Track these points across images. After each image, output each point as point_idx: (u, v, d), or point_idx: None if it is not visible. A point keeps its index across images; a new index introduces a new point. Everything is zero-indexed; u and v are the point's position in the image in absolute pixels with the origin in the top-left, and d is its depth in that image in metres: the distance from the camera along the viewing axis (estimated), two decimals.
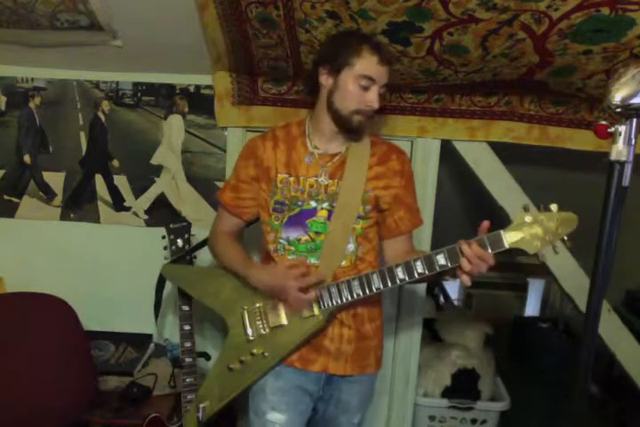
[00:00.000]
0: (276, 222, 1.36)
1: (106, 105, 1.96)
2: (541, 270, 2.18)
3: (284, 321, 1.33)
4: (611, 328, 1.93)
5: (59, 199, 2.03)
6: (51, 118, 1.98)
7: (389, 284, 1.23)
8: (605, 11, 1.23)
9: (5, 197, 2.04)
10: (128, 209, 2.03)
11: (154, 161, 1.99)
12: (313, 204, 1.33)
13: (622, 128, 0.79)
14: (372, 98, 1.27)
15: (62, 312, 1.63)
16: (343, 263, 1.33)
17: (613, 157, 0.80)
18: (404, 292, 2.02)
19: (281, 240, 1.35)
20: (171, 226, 1.65)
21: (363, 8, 1.34)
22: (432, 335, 2.43)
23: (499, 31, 1.35)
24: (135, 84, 1.94)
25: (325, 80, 1.30)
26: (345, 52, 1.26)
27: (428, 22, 1.36)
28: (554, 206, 1.11)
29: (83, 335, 1.67)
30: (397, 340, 2.06)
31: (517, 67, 1.52)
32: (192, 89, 1.92)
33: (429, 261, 1.18)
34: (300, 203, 1.33)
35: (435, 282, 3.06)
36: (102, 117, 1.97)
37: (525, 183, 1.86)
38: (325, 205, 1.33)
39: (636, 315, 2.64)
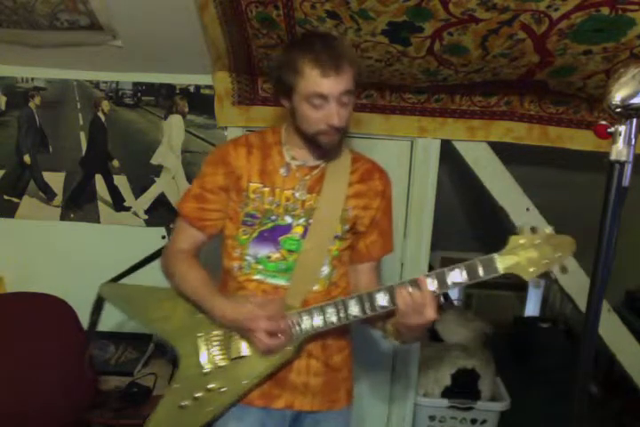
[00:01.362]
0: (244, 237, 1.21)
1: (106, 105, 1.96)
2: None
3: (247, 352, 1.18)
4: (611, 328, 1.93)
5: (59, 199, 2.03)
6: (51, 118, 1.98)
7: (368, 311, 1.11)
8: (605, 11, 1.23)
9: (5, 197, 2.04)
10: (128, 209, 2.03)
11: (154, 161, 1.99)
12: (288, 219, 1.20)
13: (622, 128, 0.79)
14: (330, 115, 1.12)
15: (62, 312, 1.63)
16: (315, 288, 1.20)
17: (613, 157, 0.79)
18: None
19: (247, 257, 1.21)
20: (171, 226, 1.65)
21: (363, 8, 1.34)
22: (432, 335, 2.43)
23: (499, 31, 1.35)
24: (135, 84, 1.94)
25: (284, 103, 1.20)
26: (287, 74, 1.13)
27: (428, 22, 1.36)
28: (548, 229, 1.06)
29: (83, 335, 1.67)
30: None
31: (517, 67, 1.52)
32: (192, 89, 1.92)
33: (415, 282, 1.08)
34: (273, 217, 1.20)
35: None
36: (102, 117, 1.97)
37: (525, 183, 1.86)
38: (302, 221, 1.20)
39: (636, 315, 2.64)
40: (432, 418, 2.17)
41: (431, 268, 2.37)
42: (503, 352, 2.74)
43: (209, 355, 1.19)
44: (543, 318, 3.63)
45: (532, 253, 1.05)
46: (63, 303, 1.63)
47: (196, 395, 1.17)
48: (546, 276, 1.07)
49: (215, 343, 1.20)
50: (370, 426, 2.09)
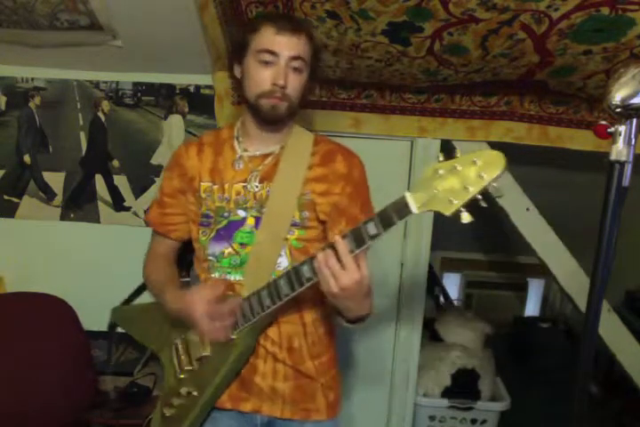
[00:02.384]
0: (203, 238, 1.18)
1: (106, 105, 1.96)
2: (541, 270, 2.18)
3: (207, 351, 1.13)
4: (611, 328, 1.93)
5: (59, 199, 2.03)
6: (51, 118, 1.98)
7: (297, 286, 1.01)
8: (605, 11, 1.23)
9: (5, 197, 2.04)
10: (128, 209, 2.03)
11: (154, 161, 1.98)
12: (241, 213, 1.15)
13: (622, 128, 0.79)
14: (276, 74, 1.07)
15: (62, 312, 1.63)
16: None
17: (613, 157, 0.79)
18: (404, 292, 2.02)
19: (209, 257, 1.17)
20: None
21: (363, 8, 1.34)
22: (432, 335, 2.43)
23: (499, 31, 1.35)
24: (135, 84, 1.94)
25: (237, 72, 1.16)
26: (244, 33, 1.12)
27: (428, 22, 1.36)
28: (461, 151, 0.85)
29: (83, 335, 1.67)
30: (397, 340, 2.06)
31: (517, 67, 1.52)
32: (192, 89, 1.92)
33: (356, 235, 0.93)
34: (225, 214, 1.15)
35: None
36: (102, 117, 1.97)
37: (525, 183, 1.86)
38: (254, 211, 1.14)
39: (636, 315, 2.64)
40: (432, 418, 2.17)
41: (431, 267, 2.38)
42: (503, 352, 2.74)
43: (180, 360, 1.18)
44: (543, 318, 3.63)
45: (450, 181, 0.83)
46: (63, 303, 1.64)
47: (175, 403, 1.15)
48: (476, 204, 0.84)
49: (182, 347, 1.19)
50: (370, 426, 2.09)
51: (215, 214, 1.16)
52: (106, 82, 1.94)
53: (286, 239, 1.14)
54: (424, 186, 0.86)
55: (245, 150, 1.19)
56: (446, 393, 2.16)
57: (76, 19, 1.58)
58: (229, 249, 1.15)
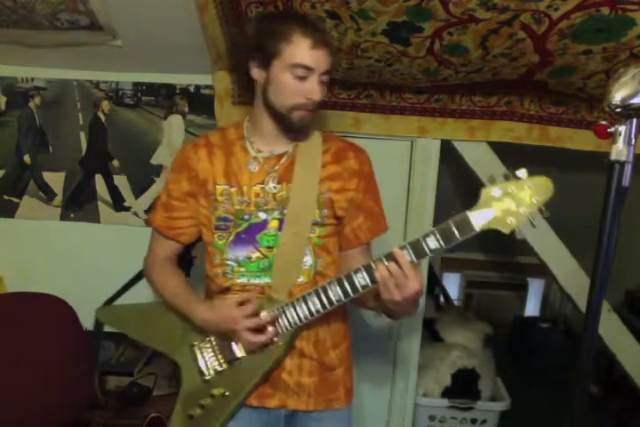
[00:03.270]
0: (221, 242, 1.17)
1: (106, 105, 1.96)
2: (541, 270, 2.18)
3: (241, 353, 1.16)
4: (611, 328, 1.93)
5: (59, 199, 2.03)
6: (51, 118, 1.98)
7: (351, 293, 1.06)
8: (605, 11, 1.23)
9: (5, 197, 2.04)
10: (128, 209, 2.03)
11: (154, 161, 1.98)
12: (262, 215, 1.16)
13: (622, 128, 0.79)
14: (312, 89, 1.10)
15: (62, 312, 1.63)
16: (300, 279, 1.16)
17: (613, 157, 0.79)
18: None
19: (228, 262, 1.17)
20: None
21: (363, 8, 1.34)
22: (432, 335, 2.43)
23: (499, 31, 1.35)
24: (135, 84, 1.94)
25: (257, 74, 1.15)
26: (272, 39, 1.09)
27: (428, 22, 1.36)
28: (522, 171, 0.96)
29: (83, 335, 1.67)
30: (397, 340, 2.06)
31: (517, 67, 1.52)
32: (192, 89, 1.92)
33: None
34: (246, 217, 1.15)
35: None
36: (102, 117, 1.97)
37: None
38: (276, 213, 1.15)
39: (636, 315, 2.64)
40: (432, 418, 2.17)
41: (431, 267, 2.38)
42: (503, 352, 2.74)
43: (206, 362, 1.19)
44: (543, 318, 3.63)
45: (506, 203, 0.95)
46: (63, 303, 1.63)
47: (202, 403, 1.17)
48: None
49: (209, 349, 1.20)
50: (370, 426, 2.09)
51: (235, 217, 1.16)
52: (106, 82, 1.94)
53: (309, 238, 1.16)
54: (483, 206, 0.97)
55: (259, 151, 1.19)
56: (446, 393, 2.16)
57: (76, 19, 1.58)
58: (257, 253, 1.16)
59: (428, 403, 2.15)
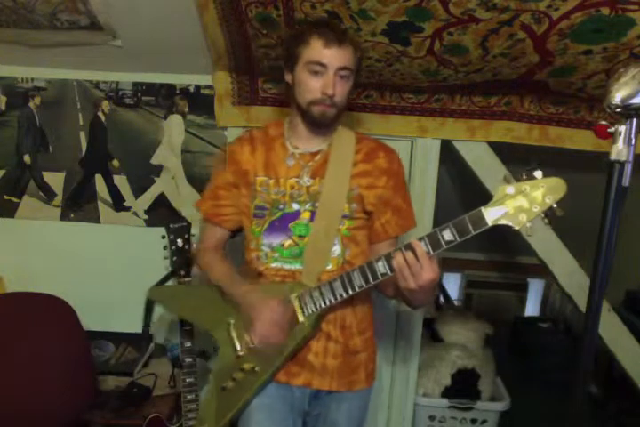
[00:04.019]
0: (257, 229, 1.29)
1: (106, 105, 1.96)
2: (541, 270, 2.18)
3: None
4: (611, 328, 1.93)
5: (59, 199, 2.03)
6: (51, 118, 1.98)
7: (371, 280, 1.15)
8: (605, 11, 1.23)
9: (5, 197, 2.04)
10: (128, 209, 2.03)
11: (154, 161, 1.99)
12: (295, 206, 1.27)
13: (622, 128, 0.79)
14: (325, 84, 1.19)
15: (62, 312, 1.63)
16: (329, 267, 1.27)
17: (613, 157, 0.79)
18: None
19: (263, 247, 1.29)
20: (171, 226, 1.65)
21: (363, 8, 1.34)
22: (432, 335, 2.43)
23: (499, 31, 1.35)
24: (135, 84, 1.94)
25: (288, 78, 1.28)
26: (295, 44, 1.22)
27: (428, 22, 1.36)
28: (538, 173, 1.02)
29: (83, 335, 1.67)
30: (397, 340, 2.06)
31: (517, 67, 1.52)
32: (192, 89, 1.92)
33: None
34: (281, 206, 1.27)
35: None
36: (102, 117, 1.97)
37: None
38: (308, 206, 1.26)
39: (636, 315, 2.64)
40: (432, 418, 2.17)
41: None
42: (503, 352, 2.74)
43: (240, 339, 1.28)
44: (543, 318, 3.63)
45: (520, 201, 1.02)
46: (63, 303, 1.63)
47: (234, 376, 1.27)
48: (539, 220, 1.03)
49: (244, 327, 1.28)
50: (370, 426, 2.09)
51: (271, 206, 1.28)
52: (106, 82, 1.94)
53: (338, 230, 1.27)
54: (497, 203, 1.02)
55: (296, 148, 1.30)
56: (446, 393, 2.16)
57: (76, 19, 1.59)
58: (289, 241, 1.27)
59: (427, 403, 2.15)
